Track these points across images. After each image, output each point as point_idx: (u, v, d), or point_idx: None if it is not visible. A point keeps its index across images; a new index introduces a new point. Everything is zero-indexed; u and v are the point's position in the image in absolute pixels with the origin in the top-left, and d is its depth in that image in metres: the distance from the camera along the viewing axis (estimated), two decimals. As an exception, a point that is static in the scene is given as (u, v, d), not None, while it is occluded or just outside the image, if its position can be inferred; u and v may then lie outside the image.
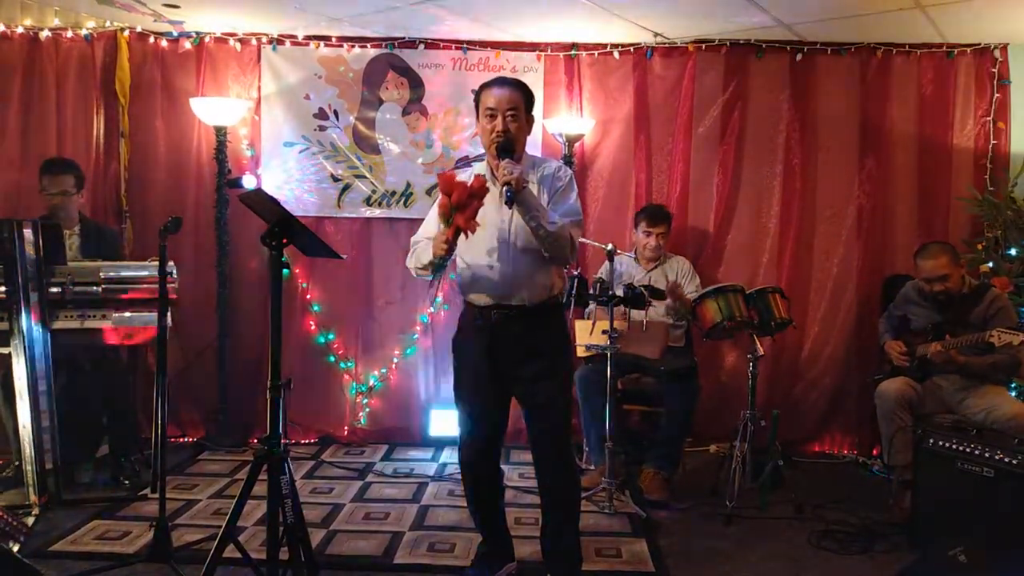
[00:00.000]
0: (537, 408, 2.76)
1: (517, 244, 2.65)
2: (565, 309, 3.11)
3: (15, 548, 2.86)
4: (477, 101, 2.70)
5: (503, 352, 2.71)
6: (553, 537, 2.85)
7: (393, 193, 4.79)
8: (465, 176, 2.61)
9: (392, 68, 4.77)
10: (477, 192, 2.47)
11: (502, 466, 2.95)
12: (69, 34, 4.65)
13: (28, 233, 3.46)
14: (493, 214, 2.63)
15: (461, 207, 2.46)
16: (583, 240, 4.34)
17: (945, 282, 3.64)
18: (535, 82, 4.69)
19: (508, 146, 2.57)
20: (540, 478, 2.85)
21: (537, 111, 4.68)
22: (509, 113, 2.61)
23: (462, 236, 2.65)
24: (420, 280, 4.96)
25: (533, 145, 4.60)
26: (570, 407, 2.90)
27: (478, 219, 2.52)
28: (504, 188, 2.46)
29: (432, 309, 4.86)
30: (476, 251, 2.69)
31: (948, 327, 3.67)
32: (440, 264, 2.63)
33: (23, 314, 3.42)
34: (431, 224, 2.77)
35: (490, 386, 2.76)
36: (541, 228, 2.53)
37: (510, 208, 2.52)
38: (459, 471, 2.98)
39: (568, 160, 4.63)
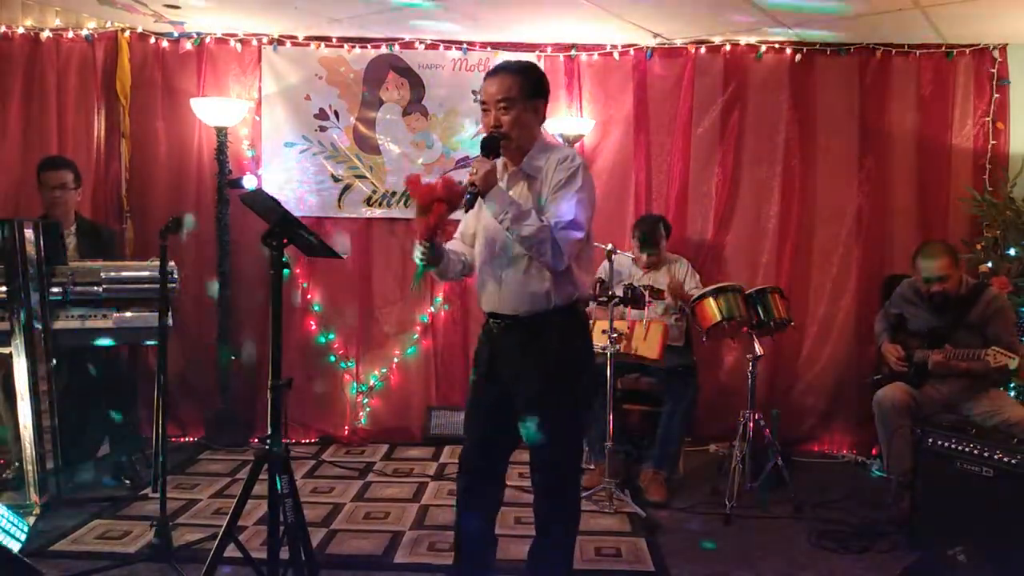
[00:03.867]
0: (532, 435, 2.46)
1: (511, 249, 2.44)
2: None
3: (15, 548, 2.86)
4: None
5: (502, 367, 2.50)
6: (537, 564, 2.61)
7: (393, 193, 4.80)
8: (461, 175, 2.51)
9: (392, 69, 4.77)
10: (442, 195, 2.33)
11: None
12: (70, 35, 4.66)
13: (29, 233, 3.46)
14: (491, 217, 2.42)
15: (424, 211, 2.34)
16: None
17: (944, 283, 3.63)
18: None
19: (491, 142, 2.39)
20: (534, 502, 2.60)
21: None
22: (501, 105, 2.41)
23: (477, 237, 2.55)
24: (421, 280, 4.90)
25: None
26: (576, 436, 2.59)
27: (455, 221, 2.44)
28: (468, 188, 2.30)
29: (432, 309, 4.87)
30: (482, 256, 2.54)
31: (945, 330, 3.67)
32: (426, 269, 2.48)
33: (24, 314, 3.42)
34: (465, 222, 2.66)
35: (492, 401, 2.53)
36: (512, 232, 2.31)
37: (466, 211, 2.34)
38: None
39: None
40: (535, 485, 2.58)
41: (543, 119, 2.53)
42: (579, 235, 2.38)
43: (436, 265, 2.49)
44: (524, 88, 2.43)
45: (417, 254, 2.42)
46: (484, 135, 2.43)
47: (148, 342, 3.77)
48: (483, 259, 2.53)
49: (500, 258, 2.47)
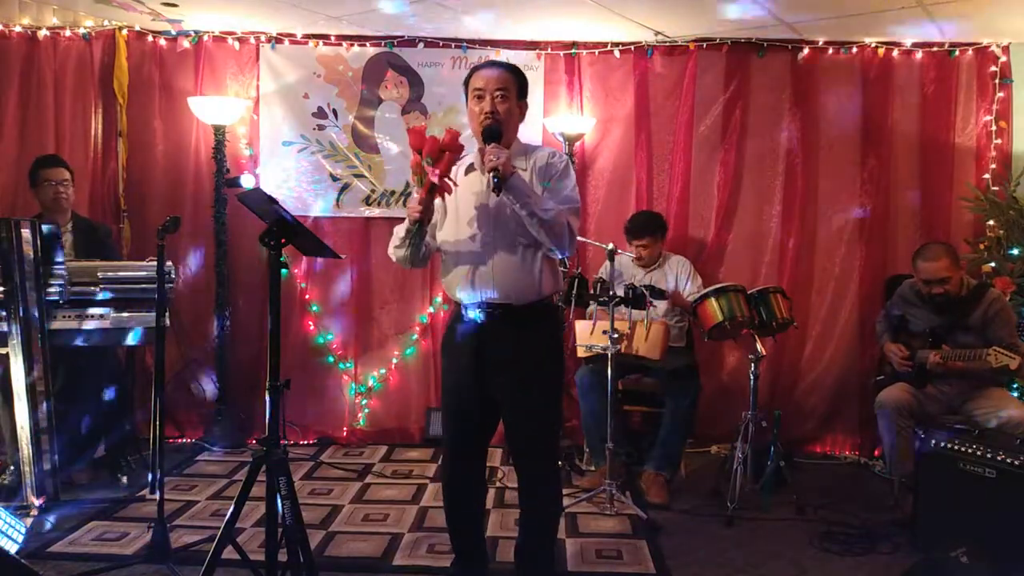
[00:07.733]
0: (519, 420, 2.58)
1: (504, 237, 2.47)
2: (565, 308, 3.06)
3: (13, 549, 2.84)
4: (466, 85, 2.54)
5: (488, 356, 2.52)
6: (527, 558, 2.72)
7: (392, 193, 4.78)
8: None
9: (391, 67, 4.75)
10: (449, 145, 2.34)
11: (503, 467, 2.90)
12: (67, 33, 4.63)
13: (26, 232, 3.45)
14: (478, 204, 2.46)
15: (434, 161, 2.34)
16: (583, 239, 4.33)
17: (945, 284, 3.61)
18: (535, 81, 4.66)
19: (495, 129, 2.40)
20: (519, 492, 2.71)
21: (537, 110, 4.68)
22: (498, 93, 2.44)
23: (448, 224, 2.55)
24: (419, 280, 4.93)
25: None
26: (558, 421, 2.72)
27: (462, 209, 2.44)
28: (491, 175, 2.29)
29: (431, 309, 4.85)
30: (460, 243, 2.53)
31: (946, 330, 3.66)
32: (416, 232, 2.49)
33: (21, 314, 3.40)
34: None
35: (475, 394, 2.56)
36: (535, 216, 2.34)
37: (498, 196, 2.32)
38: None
39: (568, 159, 4.61)
40: (519, 466, 2.66)
41: (522, 121, 2.61)
42: (578, 222, 2.53)
43: (426, 224, 2.51)
44: (518, 86, 2.53)
45: (414, 213, 2.44)
46: (486, 124, 2.44)
47: (144, 342, 3.75)
48: (472, 246, 2.51)
49: (495, 244, 2.49)
